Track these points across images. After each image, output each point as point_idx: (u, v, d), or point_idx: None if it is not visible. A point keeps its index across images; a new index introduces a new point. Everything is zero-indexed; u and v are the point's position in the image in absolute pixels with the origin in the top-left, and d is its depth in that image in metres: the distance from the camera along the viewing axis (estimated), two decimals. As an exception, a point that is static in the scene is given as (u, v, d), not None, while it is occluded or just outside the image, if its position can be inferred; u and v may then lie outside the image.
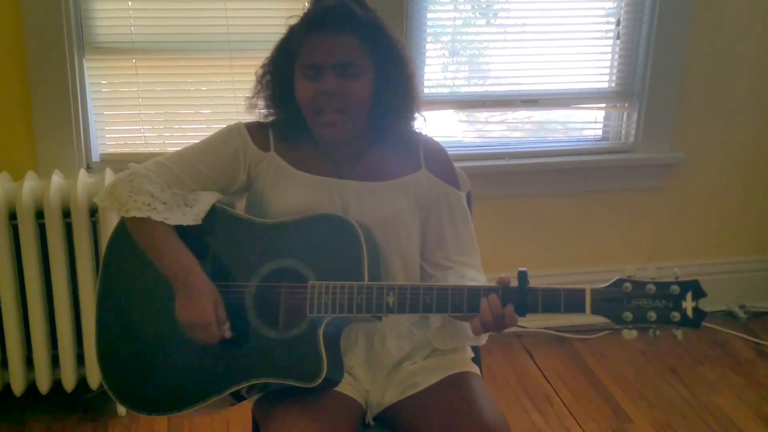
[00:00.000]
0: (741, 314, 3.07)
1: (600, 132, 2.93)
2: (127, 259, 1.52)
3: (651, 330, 1.30)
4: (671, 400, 2.56)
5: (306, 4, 1.51)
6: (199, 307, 1.41)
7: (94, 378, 2.34)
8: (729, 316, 3.07)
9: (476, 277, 1.53)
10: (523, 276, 1.33)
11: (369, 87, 1.47)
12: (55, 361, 2.34)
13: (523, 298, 1.33)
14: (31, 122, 2.36)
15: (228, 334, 1.43)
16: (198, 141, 1.56)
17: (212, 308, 1.41)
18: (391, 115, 1.52)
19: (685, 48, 2.77)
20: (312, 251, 1.44)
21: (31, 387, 2.36)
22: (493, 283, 1.37)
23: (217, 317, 1.42)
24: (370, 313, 1.39)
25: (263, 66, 1.56)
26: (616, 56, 2.80)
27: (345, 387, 1.50)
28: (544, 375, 2.69)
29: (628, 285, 1.30)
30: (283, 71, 1.50)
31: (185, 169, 1.50)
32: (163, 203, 1.45)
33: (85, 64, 2.41)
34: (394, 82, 1.49)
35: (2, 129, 2.37)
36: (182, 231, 1.46)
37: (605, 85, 2.84)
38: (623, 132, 2.90)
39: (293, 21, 1.50)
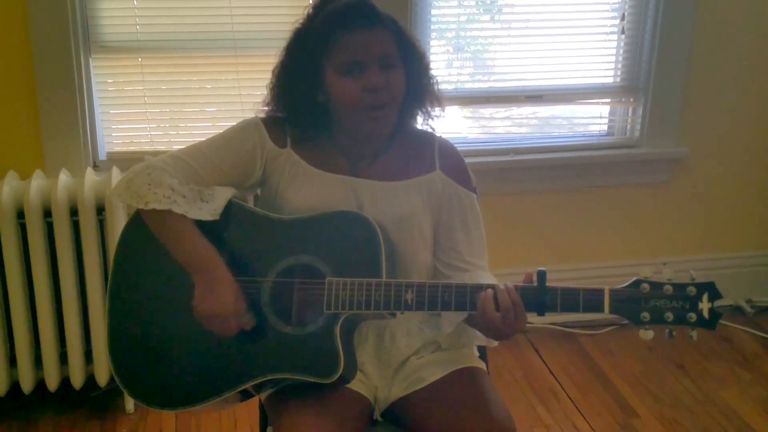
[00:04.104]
0: (748, 309, 3.06)
1: (605, 127, 2.92)
2: (140, 252, 1.52)
3: (667, 330, 1.32)
4: (678, 395, 2.56)
5: (310, 2, 1.51)
6: (221, 298, 1.41)
7: (103, 375, 2.35)
8: (736, 311, 3.07)
9: (490, 281, 1.52)
10: (542, 276, 1.35)
11: (404, 78, 1.48)
12: (63, 358, 2.35)
13: (542, 297, 1.34)
14: (38, 121, 2.38)
15: (248, 326, 1.43)
16: (214, 135, 1.55)
17: (233, 300, 1.41)
18: (415, 109, 1.54)
19: (689, 42, 2.77)
20: (329, 248, 1.44)
21: (40, 385, 2.37)
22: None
23: (236, 310, 1.42)
24: (388, 310, 1.40)
25: (277, 75, 1.53)
26: (621, 51, 2.80)
27: (355, 383, 1.51)
28: (550, 370, 2.69)
29: (645, 286, 1.32)
30: (303, 75, 1.49)
31: (202, 163, 1.49)
32: (183, 196, 1.44)
33: (92, 63, 2.42)
34: (418, 73, 1.50)
35: (9, 128, 2.39)
36: (199, 226, 1.46)
37: (610, 80, 2.84)
38: (628, 127, 2.90)
39: (298, 25, 1.50)
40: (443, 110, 1.59)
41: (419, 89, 1.53)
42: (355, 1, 1.45)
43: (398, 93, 1.47)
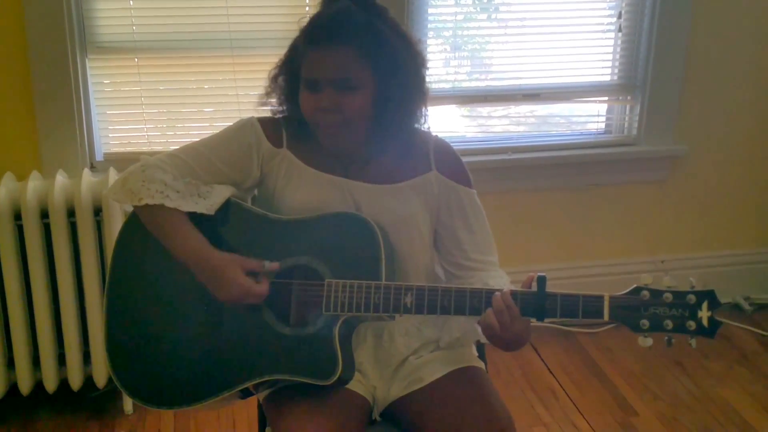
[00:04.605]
0: (746, 306, 3.06)
1: (603, 125, 2.92)
2: (137, 252, 1.52)
3: (666, 338, 1.32)
4: (677, 393, 2.56)
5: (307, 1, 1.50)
6: (229, 281, 1.40)
7: (101, 376, 2.34)
8: (734, 309, 3.06)
9: (499, 282, 1.52)
10: (542, 281, 1.35)
11: (368, 98, 1.44)
12: (61, 360, 2.35)
13: (541, 303, 1.34)
14: (34, 122, 2.37)
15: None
16: (211, 134, 1.55)
17: (241, 274, 1.41)
18: (398, 120, 1.50)
19: (687, 40, 2.76)
20: (328, 249, 1.44)
21: (38, 386, 2.37)
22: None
23: (250, 284, 1.41)
24: (387, 312, 1.39)
25: (277, 66, 1.54)
26: (618, 49, 2.80)
27: (353, 384, 1.51)
28: (549, 369, 2.69)
29: (645, 293, 1.32)
30: (295, 74, 1.49)
31: (198, 161, 1.49)
32: (176, 191, 1.45)
33: (88, 64, 2.41)
34: (397, 89, 1.46)
35: (6, 129, 2.38)
36: (198, 224, 1.46)
37: (607, 78, 2.84)
38: (626, 125, 2.89)
39: (303, 23, 1.49)
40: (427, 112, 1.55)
41: (401, 103, 1.47)
42: (334, 14, 1.42)
43: (354, 114, 1.44)
